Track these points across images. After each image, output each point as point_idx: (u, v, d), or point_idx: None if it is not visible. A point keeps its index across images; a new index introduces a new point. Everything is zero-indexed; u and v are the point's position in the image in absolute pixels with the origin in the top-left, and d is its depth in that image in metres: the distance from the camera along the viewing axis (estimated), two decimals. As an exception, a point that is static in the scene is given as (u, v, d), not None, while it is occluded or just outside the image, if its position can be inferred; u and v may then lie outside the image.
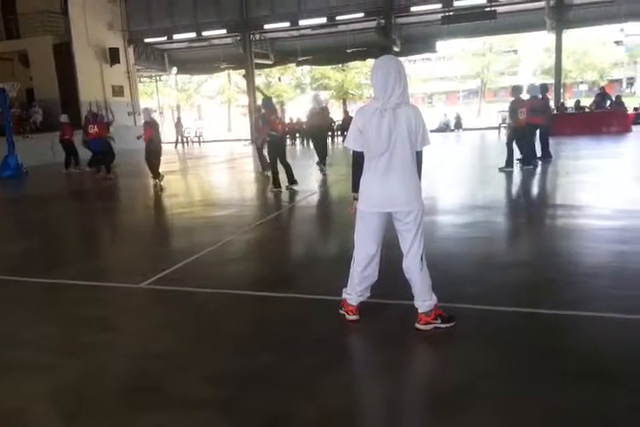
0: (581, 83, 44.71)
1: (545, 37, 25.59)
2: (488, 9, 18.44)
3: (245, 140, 23.38)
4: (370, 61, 28.85)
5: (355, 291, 3.16)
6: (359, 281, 3.14)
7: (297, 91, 39.02)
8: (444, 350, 2.88)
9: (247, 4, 21.05)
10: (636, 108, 20.91)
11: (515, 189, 8.37)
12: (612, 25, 24.34)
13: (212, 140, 26.62)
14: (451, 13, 19.02)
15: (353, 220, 3.12)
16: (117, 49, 20.97)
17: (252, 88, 23.04)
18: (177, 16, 21.92)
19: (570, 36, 32.12)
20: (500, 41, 37.96)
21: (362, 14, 19.91)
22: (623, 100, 18.59)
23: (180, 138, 24.93)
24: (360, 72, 33.54)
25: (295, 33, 22.61)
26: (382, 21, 19.75)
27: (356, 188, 3.03)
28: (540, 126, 9.98)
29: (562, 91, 20.39)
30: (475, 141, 18.47)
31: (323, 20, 20.59)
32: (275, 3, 20.76)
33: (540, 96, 10.29)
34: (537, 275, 3.94)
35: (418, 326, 3.01)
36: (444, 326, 2.99)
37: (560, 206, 6.62)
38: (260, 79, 32.08)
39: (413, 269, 2.99)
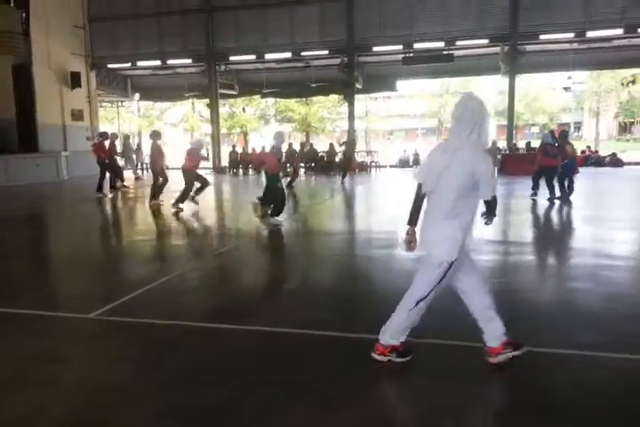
0: (533, 125, 47.10)
1: (499, 81, 26.90)
2: (446, 52, 19.34)
3: (208, 168, 23.22)
4: (333, 97, 29.60)
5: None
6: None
7: (261, 122, 39.37)
8: (399, 384, 2.88)
9: (213, 36, 21.35)
10: (583, 151, 22.14)
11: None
12: (561, 72, 25.86)
13: (173, 168, 26.33)
14: (411, 55, 19.84)
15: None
16: (79, 73, 20.73)
17: (215, 117, 23.11)
18: (142, 43, 21.97)
19: (522, 80, 33.96)
20: (456, 83, 39.71)
21: (326, 51, 20.52)
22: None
23: (140, 164, 24.57)
24: (323, 106, 34.27)
25: (260, 66, 23.01)
26: (345, 59, 20.39)
27: (411, 220, 2.94)
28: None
29: (514, 132, 21.34)
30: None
31: (288, 55, 21.08)
32: (240, 35, 21.13)
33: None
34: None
35: (373, 355, 2.99)
36: (398, 360, 2.99)
37: (511, 243, 6.83)
38: (224, 109, 32.26)
39: (402, 304, 2.95)
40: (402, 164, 24.21)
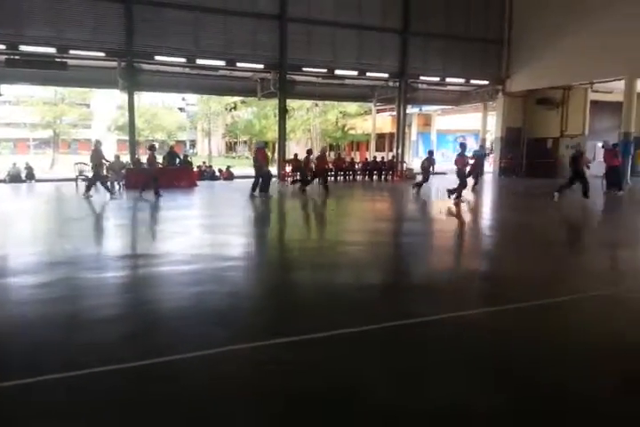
0: (153, 141, 48.89)
1: (119, 96, 26.80)
2: (59, 60, 18.02)
3: None
4: None
5: None
6: None
7: None
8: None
9: None
10: (199, 166, 24.35)
11: (90, 240, 8.26)
12: (176, 93, 27.73)
13: None
14: (16, 57, 17.66)
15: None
16: None
17: None
18: None
19: (142, 97, 34.81)
20: (73, 93, 37.52)
21: None
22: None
23: None
24: None
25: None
26: None
27: None
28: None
29: (136, 147, 21.52)
30: (51, 193, 17.40)
31: None
32: None
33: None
34: (121, 327, 3.96)
35: None
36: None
37: (141, 256, 6.89)
38: None
39: None
40: (12, 178, 21.42)
